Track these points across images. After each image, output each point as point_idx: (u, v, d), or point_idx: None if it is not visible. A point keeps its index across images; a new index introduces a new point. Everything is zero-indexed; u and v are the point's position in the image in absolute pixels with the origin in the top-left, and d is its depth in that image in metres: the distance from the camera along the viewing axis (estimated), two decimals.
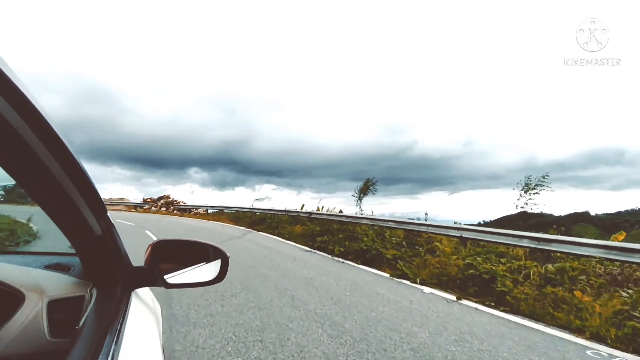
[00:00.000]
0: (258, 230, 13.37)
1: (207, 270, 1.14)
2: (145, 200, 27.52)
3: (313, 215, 14.11)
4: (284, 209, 16.79)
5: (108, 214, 0.88)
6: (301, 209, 15.99)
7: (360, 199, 16.27)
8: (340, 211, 14.47)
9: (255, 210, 18.56)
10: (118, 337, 0.73)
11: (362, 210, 14.65)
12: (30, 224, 1.59)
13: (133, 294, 1.10)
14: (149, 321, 1.08)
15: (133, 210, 26.79)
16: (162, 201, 26.30)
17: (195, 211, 25.15)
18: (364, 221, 11.49)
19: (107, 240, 0.90)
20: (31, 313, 0.71)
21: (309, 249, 9.14)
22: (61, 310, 0.81)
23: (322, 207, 15.63)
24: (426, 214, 10.66)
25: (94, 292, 0.92)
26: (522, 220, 11.16)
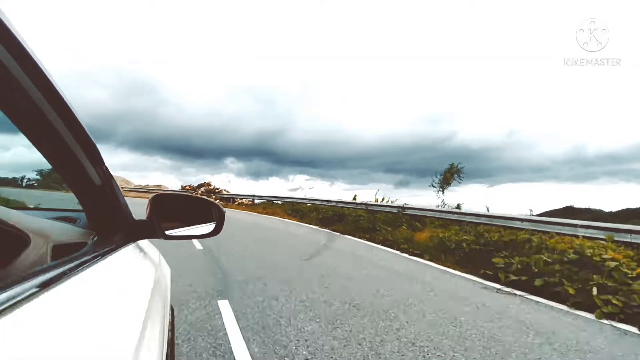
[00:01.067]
0: (343, 233, 9.49)
1: (203, 222, 1.20)
2: (183, 188, 24.81)
3: (408, 211, 10.08)
4: (349, 200, 13.81)
5: (106, 164, 0.89)
6: (353, 199, 13.80)
7: (442, 189, 13.39)
8: (459, 207, 10.45)
9: (317, 202, 14.81)
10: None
11: (444, 204, 12.34)
12: (39, 181, 1.44)
13: (143, 252, 1.15)
14: (151, 276, 1.03)
15: None
16: (202, 189, 23.40)
17: (239, 201, 22.01)
18: (520, 224, 7.31)
19: (106, 190, 0.93)
20: (36, 255, 0.70)
21: (504, 289, 4.61)
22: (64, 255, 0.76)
23: (388, 200, 13.08)
24: (459, 205, 10.74)
25: (96, 239, 0.95)
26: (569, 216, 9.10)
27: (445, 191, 13.43)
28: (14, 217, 0.70)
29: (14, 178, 1.30)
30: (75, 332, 0.44)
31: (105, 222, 0.96)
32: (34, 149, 0.65)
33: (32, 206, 1.33)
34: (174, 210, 1.15)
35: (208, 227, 1.19)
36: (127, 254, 0.96)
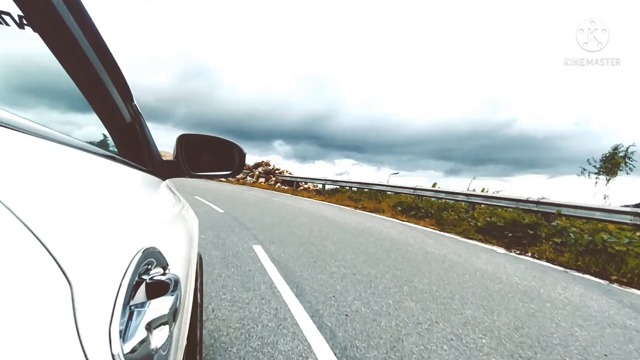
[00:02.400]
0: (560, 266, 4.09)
1: (226, 163, 1.24)
2: None
3: (543, 208, 4.43)
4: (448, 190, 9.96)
5: (135, 102, 0.92)
6: (433, 186, 10.79)
7: (607, 178, 10.96)
8: None
9: (413, 191, 9.50)
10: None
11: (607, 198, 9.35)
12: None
13: (173, 194, 1.18)
14: (180, 218, 1.01)
15: (223, 180, 20.49)
16: (260, 169, 19.20)
17: (304, 185, 17.41)
18: None
19: (137, 128, 0.95)
20: None
21: None
22: None
23: (488, 190, 10.15)
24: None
25: None
26: None
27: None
28: None
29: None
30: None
31: (136, 160, 0.95)
32: (71, 81, 0.67)
33: None
34: (198, 150, 1.18)
35: (229, 165, 1.23)
36: (160, 192, 0.95)
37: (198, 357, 1.19)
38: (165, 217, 0.79)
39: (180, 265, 0.69)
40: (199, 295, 1.22)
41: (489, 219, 6.53)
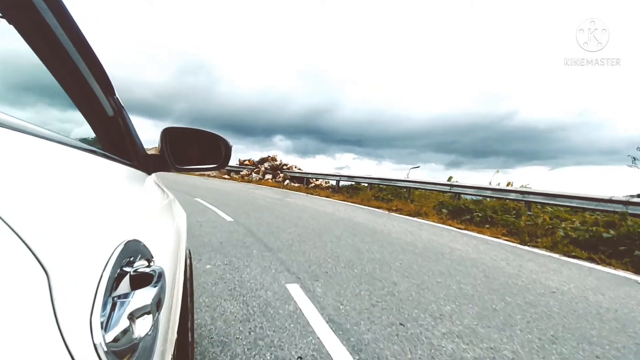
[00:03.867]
0: None
1: (212, 156, 1.20)
2: (242, 163, 19.28)
3: None
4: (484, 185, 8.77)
5: (117, 95, 0.89)
6: (449, 180, 9.52)
7: None
8: None
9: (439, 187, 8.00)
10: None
11: None
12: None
13: (159, 188, 1.15)
14: (168, 212, 0.98)
15: (226, 177, 18.86)
16: (266, 164, 17.61)
17: (315, 182, 15.88)
18: None
19: (119, 122, 0.93)
20: None
21: None
22: None
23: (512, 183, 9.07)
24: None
25: None
26: None
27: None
28: None
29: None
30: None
31: (120, 154, 0.91)
32: (49, 74, 0.64)
33: None
34: (184, 143, 1.16)
35: (215, 159, 1.20)
36: (146, 186, 0.93)
37: (190, 351, 1.17)
38: (150, 212, 0.76)
39: (166, 259, 0.67)
40: (189, 289, 1.22)
41: (592, 228, 4.95)
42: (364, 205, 9.12)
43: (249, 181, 16.05)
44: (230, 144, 1.21)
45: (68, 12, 0.57)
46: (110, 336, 0.31)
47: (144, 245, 0.50)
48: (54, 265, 0.27)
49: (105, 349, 0.30)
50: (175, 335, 0.71)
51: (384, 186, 11.45)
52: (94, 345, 0.29)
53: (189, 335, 1.19)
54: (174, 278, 0.72)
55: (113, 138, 0.93)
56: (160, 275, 0.44)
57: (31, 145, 0.42)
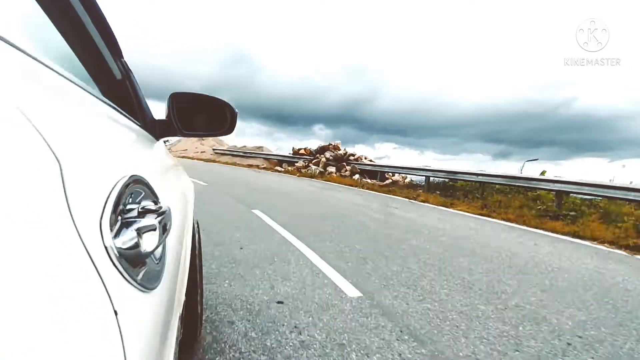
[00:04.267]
0: None
1: (218, 122, 1.21)
2: (297, 152, 16.65)
3: None
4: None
5: (125, 59, 0.90)
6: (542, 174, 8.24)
7: None
8: None
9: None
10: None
11: None
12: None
13: (168, 156, 1.18)
14: (176, 179, 1.02)
15: (278, 168, 16.28)
16: (326, 154, 14.80)
17: (391, 177, 12.85)
18: None
19: (127, 85, 0.94)
20: None
21: None
22: None
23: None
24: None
25: None
26: None
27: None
28: None
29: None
30: None
31: (129, 115, 0.90)
32: (58, 34, 0.63)
33: None
34: (190, 109, 1.16)
35: (221, 124, 1.20)
36: (155, 150, 0.93)
37: (199, 322, 1.26)
38: (159, 174, 0.75)
39: (174, 227, 0.64)
40: (198, 264, 1.24)
41: None
42: (534, 227, 5.76)
43: (311, 176, 13.29)
44: (236, 110, 1.20)
45: None
46: (119, 242, 0.31)
47: (153, 189, 0.50)
48: (66, 157, 0.27)
49: (117, 253, 0.29)
50: (184, 297, 0.75)
51: (512, 187, 8.26)
52: (105, 247, 0.28)
53: (199, 308, 1.32)
54: (181, 243, 0.71)
55: (122, 100, 0.91)
56: (167, 210, 0.44)
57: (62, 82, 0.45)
